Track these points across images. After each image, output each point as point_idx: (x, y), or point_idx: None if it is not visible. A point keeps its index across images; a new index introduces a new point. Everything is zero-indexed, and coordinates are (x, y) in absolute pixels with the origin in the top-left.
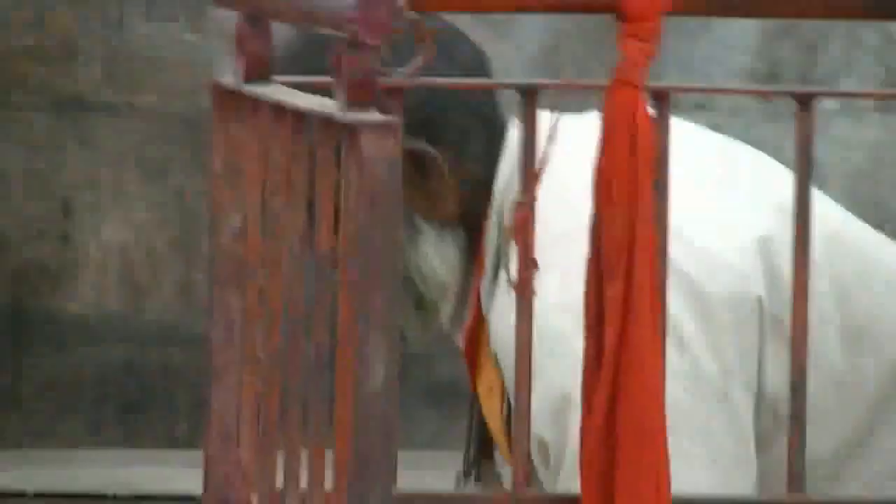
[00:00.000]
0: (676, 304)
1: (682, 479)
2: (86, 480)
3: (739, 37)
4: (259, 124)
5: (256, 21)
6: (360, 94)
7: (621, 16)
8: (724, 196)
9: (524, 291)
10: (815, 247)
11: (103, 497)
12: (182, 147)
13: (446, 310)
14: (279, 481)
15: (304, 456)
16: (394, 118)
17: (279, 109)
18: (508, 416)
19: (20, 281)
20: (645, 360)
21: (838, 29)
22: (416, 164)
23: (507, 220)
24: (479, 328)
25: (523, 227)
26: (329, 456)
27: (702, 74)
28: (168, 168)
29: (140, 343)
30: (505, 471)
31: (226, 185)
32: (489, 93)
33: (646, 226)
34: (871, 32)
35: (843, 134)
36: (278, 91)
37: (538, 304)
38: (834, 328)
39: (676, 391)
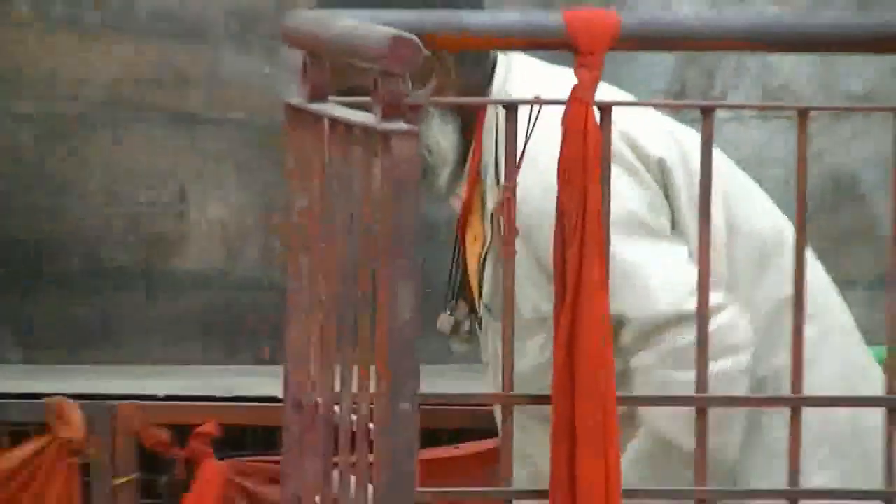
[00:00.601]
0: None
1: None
2: (196, 387)
3: (658, 63)
4: (318, 133)
5: (315, 57)
6: (391, 110)
7: (575, 51)
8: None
9: (509, 255)
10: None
11: (210, 398)
12: (265, 150)
13: (444, 175)
14: (337, 387)
15: (353, 369)
16: (414, 127)
17: (333, 121)
18: (484, 259)
19: (151, 247)
20: (594, 297)
21: (729, 57)
22: (428, 65)
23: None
24: (473, 192)
25: (507, 207)
26: (372, 369)
27: (631, 92)
28: (255, 165)
29: (235, 290)
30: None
31: (296, 177)
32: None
33: (595, 204)
34: (753, 60)
35: (733, 136)
36: (333, 108)
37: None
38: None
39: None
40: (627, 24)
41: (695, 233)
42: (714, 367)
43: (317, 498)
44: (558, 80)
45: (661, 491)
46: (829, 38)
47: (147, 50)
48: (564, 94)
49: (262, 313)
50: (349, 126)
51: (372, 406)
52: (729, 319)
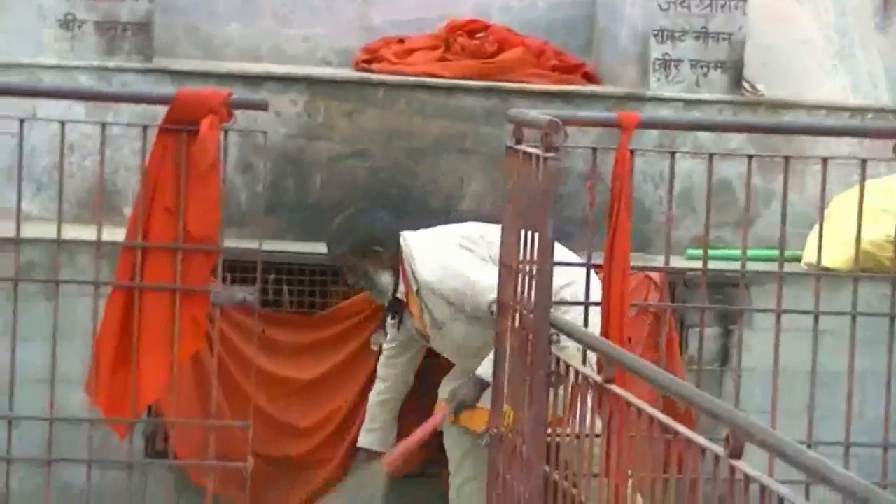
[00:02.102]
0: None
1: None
2: None
3: None
4: (520, 159)
5: (519, 129)
6: (547, 148)
7: (619, 127)
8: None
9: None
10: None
11: None
12: (497, 177)
13: (387, 292)
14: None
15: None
16: (557, 156)
17: (524, 153)
18: (422, 310)
19: None
20: (623, 253)
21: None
22: (376, 254)
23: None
24: (409, 293)
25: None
26: None
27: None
28: (485, 181)
29: None
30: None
31: (511, 188)
32: (393, 222)
33: (625, 208)
34: None
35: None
36: (526, 149)
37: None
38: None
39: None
40: (644, 119)
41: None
42: None
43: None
44: (428, 234)
45: None
46: None
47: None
48: (438, 235)
49: None
50: (531, 154)
51: None
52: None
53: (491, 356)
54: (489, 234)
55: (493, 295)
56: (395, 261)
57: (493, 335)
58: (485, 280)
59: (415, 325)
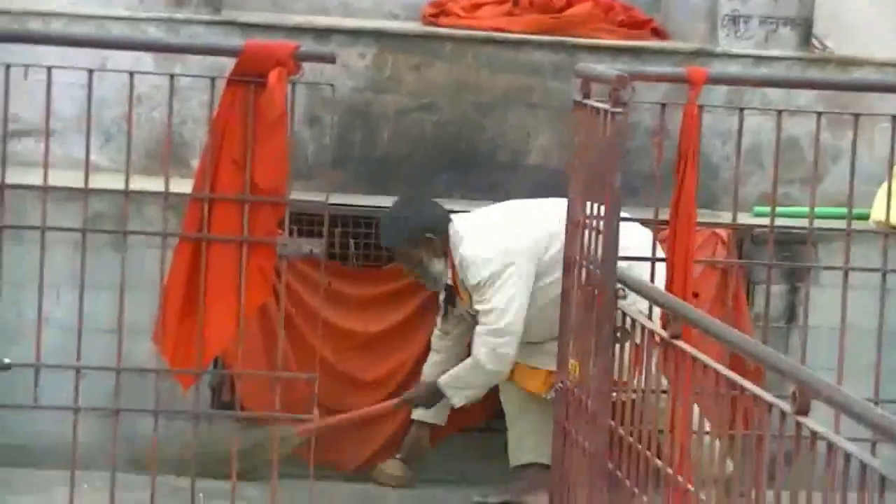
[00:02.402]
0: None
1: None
2: None
3: None
4: (588, 114)
5: (587, 79)
6: (615, 104)
7: (688, 83)
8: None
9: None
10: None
11: None
12: (564, 131)
13: (441, 279)
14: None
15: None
16: (624, 110)
17: (592, 108)
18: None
19: None
20: (690, 206)
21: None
22: (428, 241)
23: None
24: (455, 279)
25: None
26: None
27: None
28: (552, 135)
29: None
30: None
31: (578, 143)
32: (445, 211)
33: (692, 164)
34: None
35: None
36: (594, 104)
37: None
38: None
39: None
40: (713, 75)
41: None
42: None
43: None
44: (480, 215)
45: None
46: None
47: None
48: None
49: None
50: (598, 109)
51: None
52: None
53: (455, 371)
54: (551, 230)
55: (500, 321)
56: (446, 246)
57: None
58: (504, 297)
59: (465, 307)
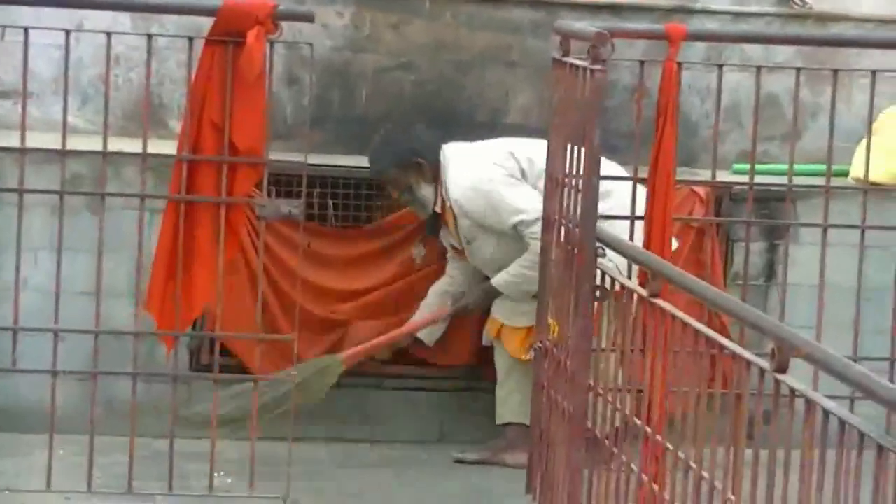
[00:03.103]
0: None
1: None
2: None
3: None
4: (567, 72)
5: (566, 40)
6: (594, 61)
7: (667, 40)
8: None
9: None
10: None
11: None
12: (543, 90)
13: (429, 205)
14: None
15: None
16: (603, 68)
17: (571, 66)
18: (455, 225)
19: None
20: (669, 157)
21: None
22: (418, 167)
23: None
24: (444, 206)
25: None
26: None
27: None
28: (532, 94)
29: None
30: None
31: (557, 101)
32: (434, 136)
33: (671, 121)
34: None
35: None
36: (573, 61)
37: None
38: None
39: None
40: (692, 32)
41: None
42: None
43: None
44: (467, 147)
45: None
46: None
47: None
48: (476, 149)
49: None
50: (577, 67)
51: None
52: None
53: (510, 268)
54: (534, 153)
55: (519, 217)
56: (436, 173)
57: (521, 250)
58: (511, 201)
59: (450, 239)
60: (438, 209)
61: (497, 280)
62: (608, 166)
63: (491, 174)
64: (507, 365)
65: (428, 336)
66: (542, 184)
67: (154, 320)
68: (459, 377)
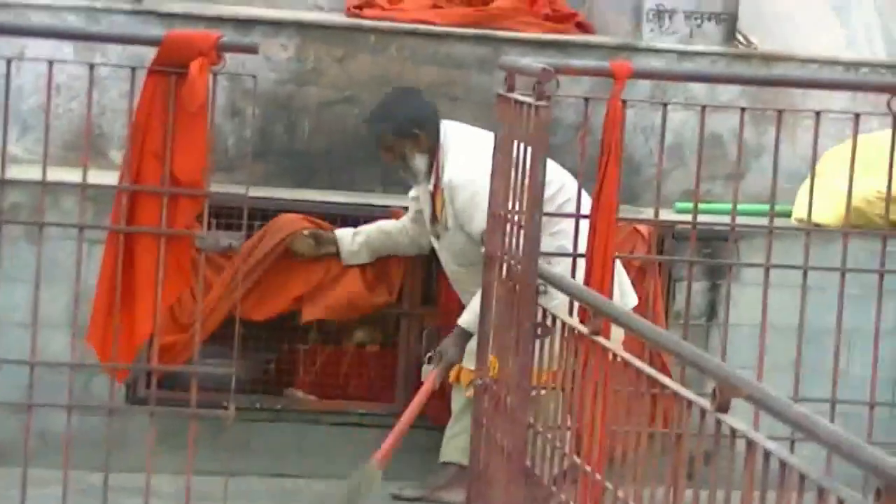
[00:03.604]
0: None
1: None
2: None
3: None
4: (511, 108)
5: (511, 75)
6: (539, 97)
7: (612, 77)
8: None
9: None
10: None
11: None
12: (488, 125)
13: (419, 176)
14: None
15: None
16: (548, 104)
17: (515, 101)
18: (442, 207)
19: None
20: (611, 195)
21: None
22: (415, 136)
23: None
24: (438, 185)
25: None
26: None
27: None
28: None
29: None
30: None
31: (501, 136)
32: (435, 109)
33: (615, 159)
34: None
35: None
36: (517, 97)
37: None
38: None
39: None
40: (637, 69)
41: None
42: None
43: None
44: (470, 133)
45: None
46: None
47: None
48: (479, 140)
49: None
50: (521, 103)
51: None
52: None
53: (474, 305)
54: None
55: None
56: (433, 147)
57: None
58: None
59: (425, 210)
60: (431, 187)
61: (464, 319)
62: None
63: (485, 180)
64: (461, 405)
65: (349, 253)
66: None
67: (96, 353)
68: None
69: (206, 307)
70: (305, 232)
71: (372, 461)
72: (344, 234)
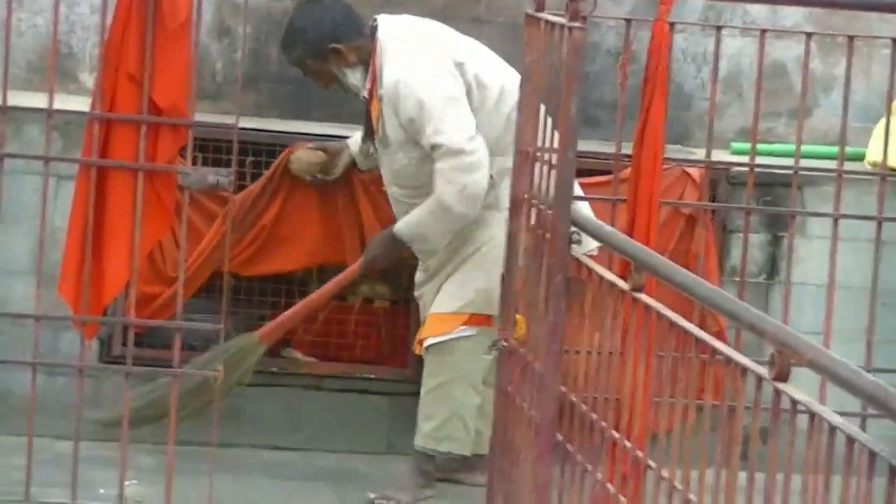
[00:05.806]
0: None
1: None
2: None
3: None
4: (541, 30)
5: None
6: (574, 16)
7: None
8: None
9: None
10: None
11: None
12: (514, 50)
13: (357, 89)
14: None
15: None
16: (583, 25)
17: (546, 22)
18: (378, 119)
19: None
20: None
21: None
22: (335, 52)
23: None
24: (373, 94)
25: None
26: None
27: None
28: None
29: None
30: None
31: (529, 63)
32: (349, 11)
33: (661, 91)
34: None
35: None
36: (548, 18)
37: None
38: None
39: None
40: None
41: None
42: (476, 175)
43: None
44: (410, 26)
45: None
46: None
47: None
48: (421, 32)
49: None
50: (553, 24)
51: None
52: (481, 149)
53: (414, 212)
54: (482, 70)
55: (440, 139)
56: (364, 55)
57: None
58: (440, 118)
59: (364, 134)
60: (365, 95)
61: (399, 227)
62: None
63: (434, 83)
64: (433, 382)
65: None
66: (487, 107)
67: (68, 305)
68: (410, 380)
69: (194, 258)
70: (310, 145)
71: (254, 334)
72: (354, 140)
